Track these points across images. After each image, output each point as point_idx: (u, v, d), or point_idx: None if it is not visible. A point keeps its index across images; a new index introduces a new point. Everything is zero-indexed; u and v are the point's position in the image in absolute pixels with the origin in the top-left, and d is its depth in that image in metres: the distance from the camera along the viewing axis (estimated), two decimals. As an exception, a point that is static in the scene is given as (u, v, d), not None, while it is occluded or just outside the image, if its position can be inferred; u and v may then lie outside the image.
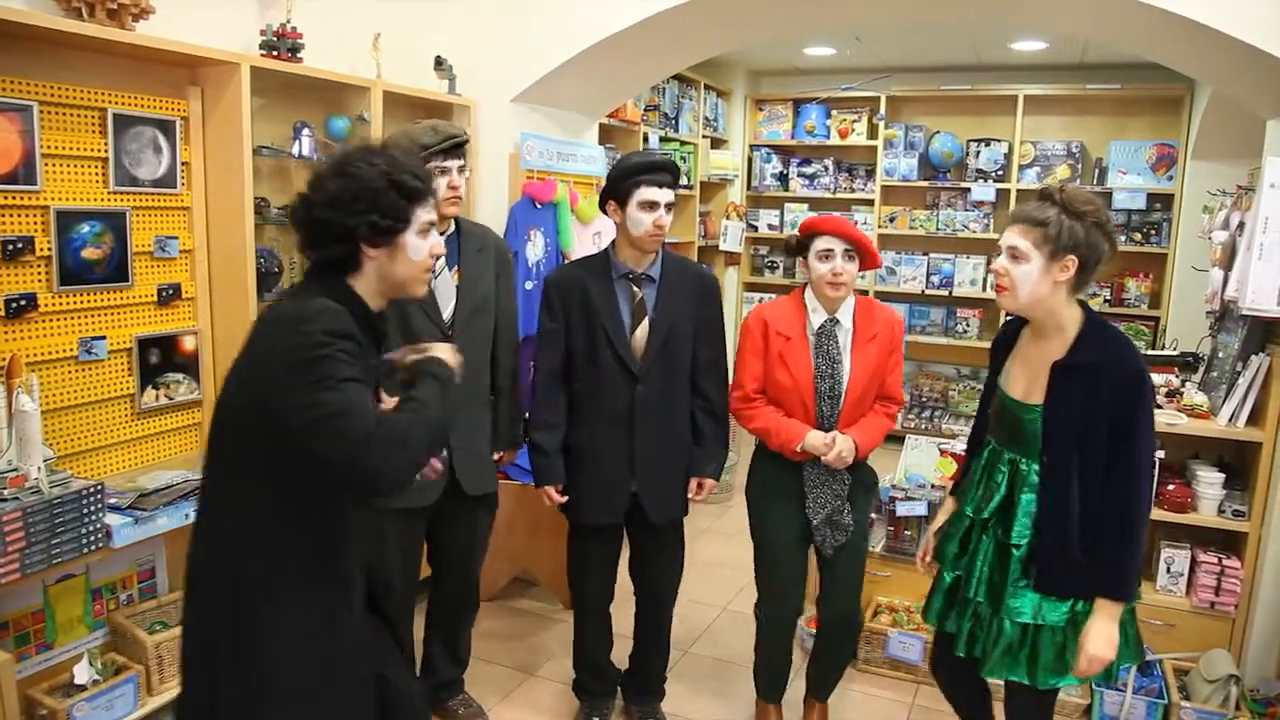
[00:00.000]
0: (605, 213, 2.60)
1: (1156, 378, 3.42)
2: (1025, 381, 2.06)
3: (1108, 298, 5.85)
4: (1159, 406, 3.25)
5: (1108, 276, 5.88)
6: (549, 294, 2.63)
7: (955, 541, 2.19)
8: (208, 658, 1.63)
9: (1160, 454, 3.16)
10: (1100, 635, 1.94)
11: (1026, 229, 1.94)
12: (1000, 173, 6.06)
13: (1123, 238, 5.78)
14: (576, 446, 2.64)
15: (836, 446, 2.50)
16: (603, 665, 2.89)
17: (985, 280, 6.16)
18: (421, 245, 1.69)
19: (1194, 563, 3.19)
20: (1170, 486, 3.19)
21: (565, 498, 2.66)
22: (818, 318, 2.57)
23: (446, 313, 2.57)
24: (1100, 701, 3.01)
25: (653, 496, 2.64)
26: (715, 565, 4.31)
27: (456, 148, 2.55)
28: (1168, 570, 3.23)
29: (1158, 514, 3.18)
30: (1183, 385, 3.36)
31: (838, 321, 2.56)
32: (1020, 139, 5.98)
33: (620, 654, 2.94)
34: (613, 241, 2.64)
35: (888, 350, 2.59)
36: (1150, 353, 3.95)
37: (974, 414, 2.61)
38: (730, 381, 2.71)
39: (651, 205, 2.49)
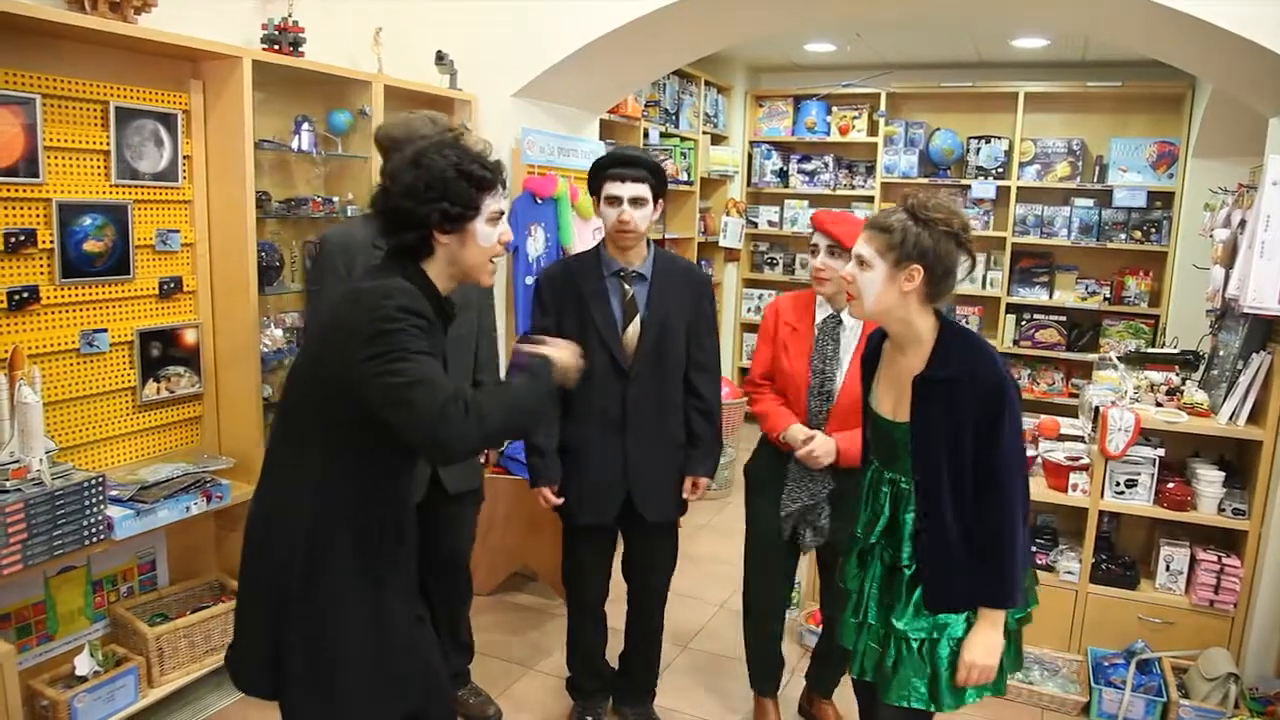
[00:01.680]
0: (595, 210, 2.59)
1: (1156, 375, 3.44)
2: (892, 399, 1.98)
3: (1107, 296, 5.85)
4: (1158, 404, 3.26)
5: (1108, 274, 5.89)
6: (541, 290, 2.61)
7: (852, 561, 2.11)
8: (272, 616, 1.72)
9: (1160, 452, 3.18)
10: (980, 643, 1.88)
11: (873, 235, 1.87)
12: (1001, 170, 6.05)
13: (1123, 236, 5.79)
14: (569, 445, 2.62)
15: (813, 444, 2.46)
16: (597, 664, 2.88)
17: (985, 278, 6.16)
18: (491, 232, 1.78)
19: (1193, 561, 3.20)
20: (1170, 485, 3.19)
21: (561, 499, 2.63)
22: (822, 312, 2.56)
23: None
24: (1099, 699, 3.02)
25: (647, 496, 2.61)
26: (713, 561, 4.31)
27: None
28: (1167, 568, 3.24)
29: (1158, 512, 3.19)
30: (1183, 383, 3.36)
31: (840, 321, 2.53)
32: (1021, 136, 5.97)
33: (612, 654, 2.93)
34: (604, 238, 2.63)
35: None
36: (1151, 350, 3.95)
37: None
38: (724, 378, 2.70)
39: (614, 200, 2.47)
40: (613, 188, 2.47)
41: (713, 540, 4.61)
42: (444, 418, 1.56)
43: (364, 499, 1.74)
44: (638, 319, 2.56)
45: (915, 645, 1.92)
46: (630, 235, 2.49)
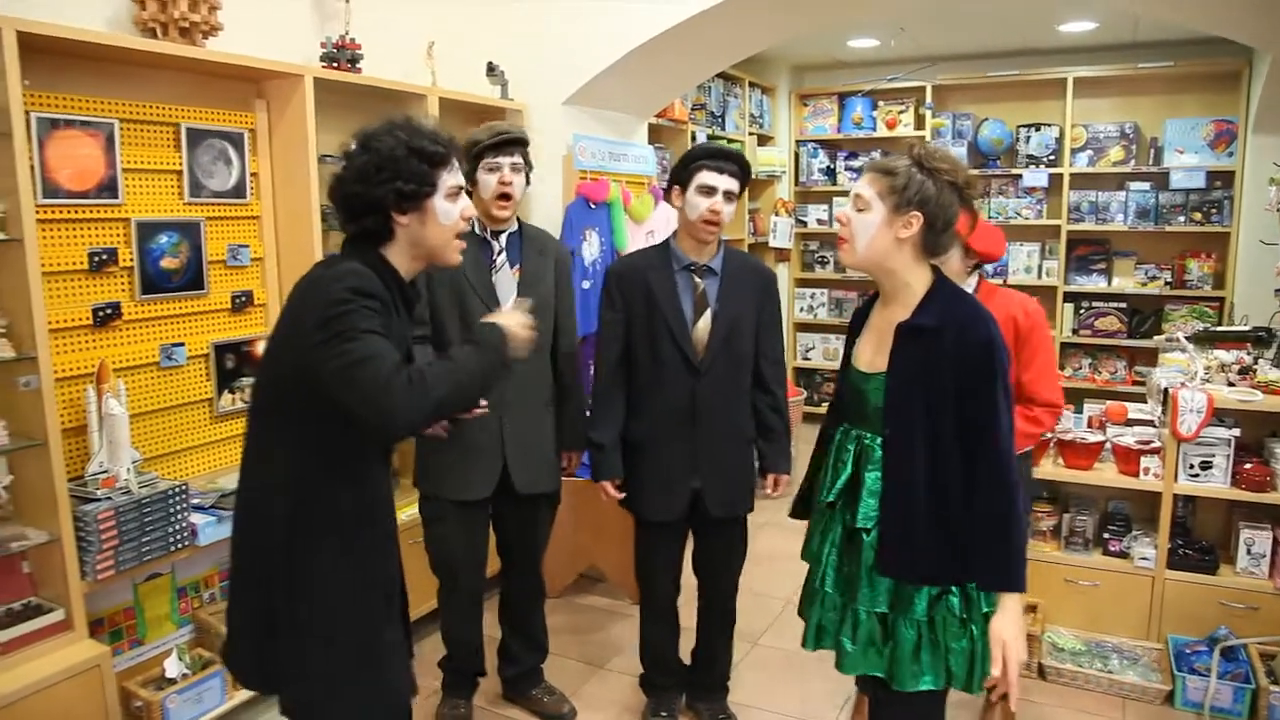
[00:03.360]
0: (669, 200, 2.59)
1: (1226, 355, 3.35)
2: (871, 350, 1.93)
3: (1168, 280, 5.71)
4: (1230, 384, 3.18)
5: (1168, 258, 5.75)
6: (610, 285, 2.62)
7: (816, 534, 2.07)
8: (263, 603, 1.71)
9: (1235, 432, 3.09)
10: (1007, 623, 1.79)
11: (875, 177, 1.84)
12: (1052, 157, 5.96)
13: (1181, 218, 5.66)
14: (636, 441, 2.63)
15: None
16: (669, 660, 2.89)
17: (1041, 267, 6.07)
18: (451, 209, 1.74)
19: (1275, 544, 3.11)
20: (1248, 465, 3.10)
21: (623, 494, 2.65)
22: None
23: (506, 307, 2.58)
24: (1183, 687, 2.95)
25: (716, 492, 2.61)
26: (779, 558, 4.28)
27: (506, 144, 2.57)
28: (1248, 552, 3.14)
29: (1236, 494, 3.11)
30: (1255, 362, 3.27)
31: None
32: (1071, 122, 5.88)
33: (685, 651, 2.92)
34: (674, 232, 2.64)
35: (1012, 343, 2.39)
36: (1220, 329, 3.85)
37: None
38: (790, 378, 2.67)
39: (709, 190, 2.47)
40: (709, 177, 2.47)
41: (776, 537, 4.58)
42: (388, 391, 1.53)
43: (335, 488, 1.71)
44: (708, 313, 2.56)
45: (878, 616, 1.87)
46: (716, 228, 2.51)
